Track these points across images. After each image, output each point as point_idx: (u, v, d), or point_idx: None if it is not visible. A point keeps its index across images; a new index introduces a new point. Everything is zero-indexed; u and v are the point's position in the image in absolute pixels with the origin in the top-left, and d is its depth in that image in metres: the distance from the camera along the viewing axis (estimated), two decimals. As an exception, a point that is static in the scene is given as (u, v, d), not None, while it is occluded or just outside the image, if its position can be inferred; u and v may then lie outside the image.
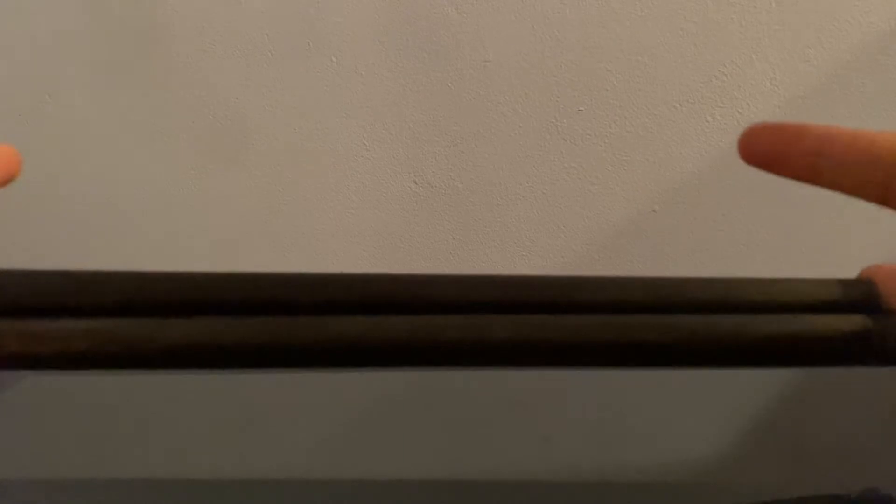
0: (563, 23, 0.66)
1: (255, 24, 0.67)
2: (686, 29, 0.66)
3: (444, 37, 0.67)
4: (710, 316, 0.24)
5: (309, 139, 0.70)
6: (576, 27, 0.66)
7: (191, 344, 0.23)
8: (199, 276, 0.24)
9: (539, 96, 0.68)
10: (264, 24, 0.67)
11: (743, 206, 0.71)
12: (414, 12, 0.66)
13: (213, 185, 0.72)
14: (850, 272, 0.24)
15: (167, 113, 0.70)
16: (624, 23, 0.66)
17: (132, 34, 0.68)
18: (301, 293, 0.25)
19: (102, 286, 0.24)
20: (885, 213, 0.18)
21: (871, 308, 0.24)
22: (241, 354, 0.23)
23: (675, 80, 0.67)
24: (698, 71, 0.67)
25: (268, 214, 0.73)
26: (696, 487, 0.29)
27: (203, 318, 0.23)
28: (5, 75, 0.69)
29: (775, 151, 0.19)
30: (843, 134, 0.17)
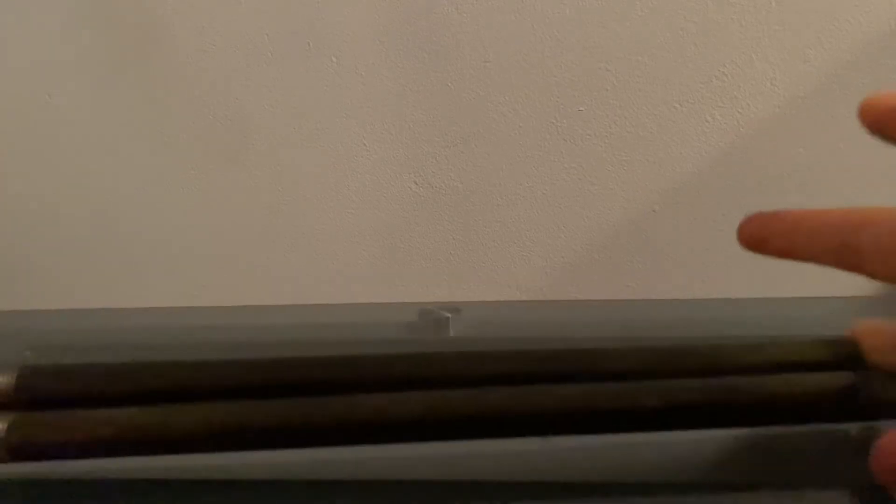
0: (563, 23, 0.66)
1: (255, 24, 0.67)
2: (686, 29, 0.66)
3: (444, 37, 0.67)
4: (706, 380, 0.25)
5: (309, 139, 0.70)
6: (576, 27, 0.66)
7: (203, 428, 0.23)
8: (211, 364, 0.25)
9: (539, 96, 0.68)
10: (264, 24, 0.67)
11: (743, 206, 0.71)
12: (414, 12, 0.66)
13: (213, 185, 0.72)
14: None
15: (167, 113, 0.70)
16: (624, 23, 0.66)
17: (132, 34, 0.68)
18: (307, 374, 0.25)
19: (124, 376, 0.25)
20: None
21: (856, 365, 0.25)
22: (252, 437, 0.24)
23: (675, 80, 0.67)
24: (698, 71, 0.67)
25: (268, 214, 0.73)
26: (696, 487, 0.29)
27: (213, 404, 0.24)
28: (5, 75, 0.69)
29: (758, 236, 0.24)
30: (809, 212, 0.23)
